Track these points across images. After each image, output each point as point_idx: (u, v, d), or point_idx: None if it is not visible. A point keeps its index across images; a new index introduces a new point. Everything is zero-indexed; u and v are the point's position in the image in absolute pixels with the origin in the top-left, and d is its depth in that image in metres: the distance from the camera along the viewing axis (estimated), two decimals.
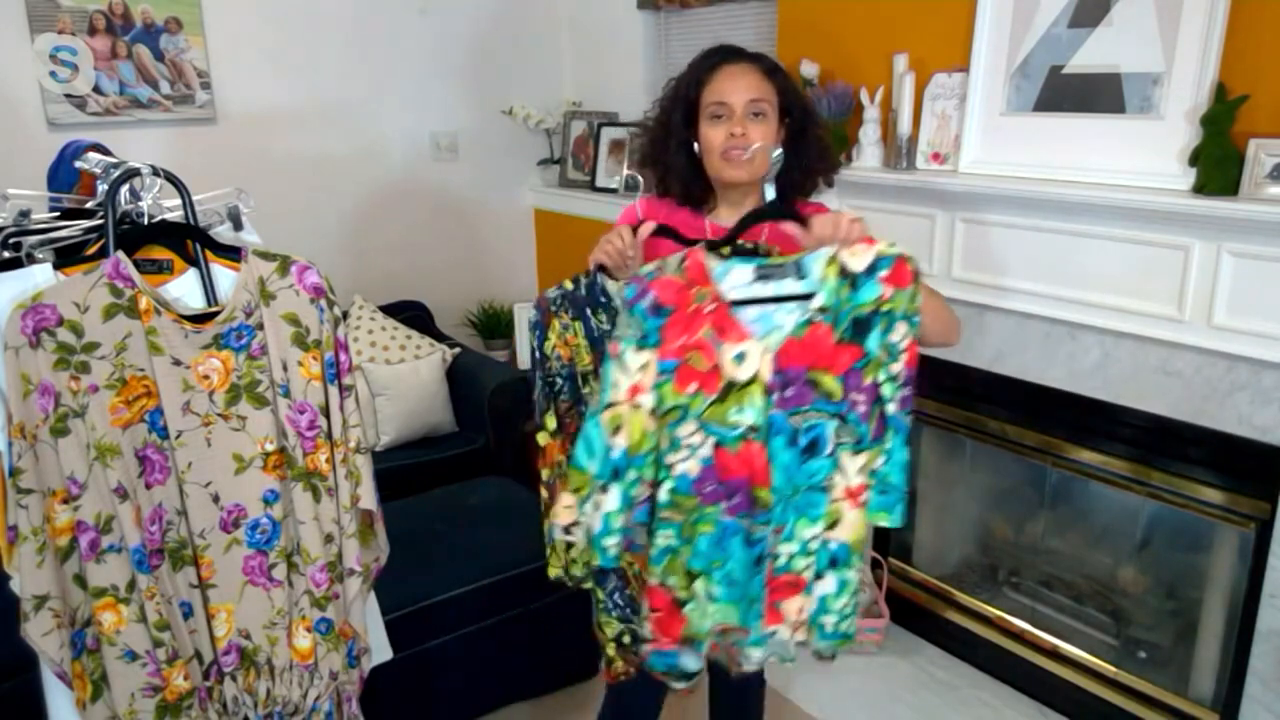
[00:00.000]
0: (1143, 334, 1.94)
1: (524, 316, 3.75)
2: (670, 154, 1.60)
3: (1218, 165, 1.75)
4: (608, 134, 3.53)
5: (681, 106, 1.58)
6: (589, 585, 1.60)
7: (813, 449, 1.38)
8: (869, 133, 2.39)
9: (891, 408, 1.38)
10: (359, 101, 3.42)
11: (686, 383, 1.34)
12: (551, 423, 1.51)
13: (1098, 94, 1.97)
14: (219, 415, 1.35)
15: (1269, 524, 1.86)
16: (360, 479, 1.45)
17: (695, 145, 1.57)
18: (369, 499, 1.47)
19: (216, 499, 1.37)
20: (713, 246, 1.35)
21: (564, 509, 1.41)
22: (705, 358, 1.34)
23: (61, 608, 1.29)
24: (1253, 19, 1.74)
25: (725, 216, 1.63)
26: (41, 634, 1.28)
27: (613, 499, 1.39)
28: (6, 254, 1.31)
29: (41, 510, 1.26)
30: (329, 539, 1.43)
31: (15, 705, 1.82)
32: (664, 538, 1.42)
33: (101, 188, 1.39)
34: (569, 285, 1.48)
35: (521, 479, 2.74)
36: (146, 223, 1.37)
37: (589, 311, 1.47)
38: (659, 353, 1.33)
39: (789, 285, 1.34)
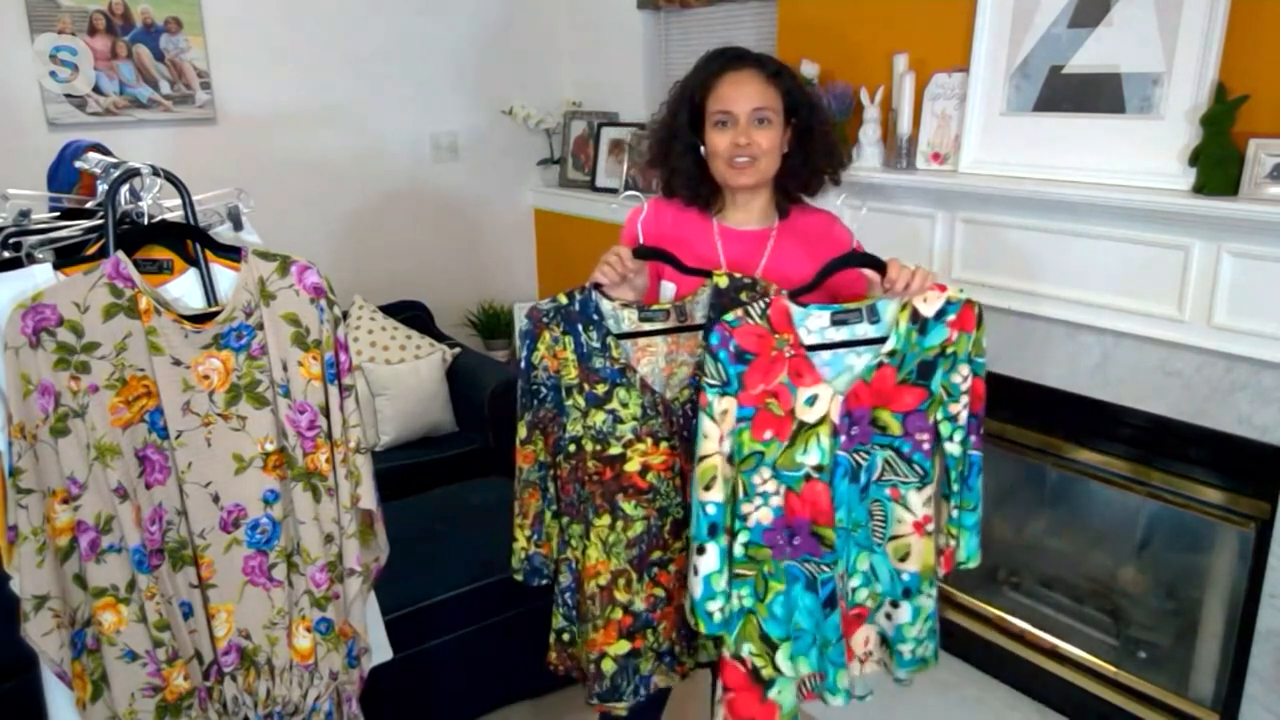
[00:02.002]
0: (1143, 334, 1.94)
1: (523, 317, 3.74)
2: (676, 157, 1.60)
3: (1218, 165, 1.75)
4: (608, 134, 3.53)
5: (687, 110, 1.58)
6: (542, 582, 1.62)
7: (866, 483, 1.41)
8: (869, 133, 2.38)
9: (951, 447, 1.41)
10: (359, 101, 3.42)
11: (763, 430, 1.35)
12: (522, 432, 1.52)
13: (1098, 94, 1.97)
14: (219, 415, 1.35)
15: (1269, 524, 1.86)
16: (360, 479, 1.45)
17: (701, 148, 1.58)
18: (369, 499, 1.47)
19: (216, 499, 1.37)
20: (792, 296, 1.37)
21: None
22: (781, 404, 1.35)
23: (61, 608, 1.29)
24: (1253, 19, 1.74)
25: (733, 218, 1.63)
26: (41, 634, 1.28)
27: (711, 559, 1.36)
28: (6, 254, 1.31)
29: (41, 510, 1.26)
30: (329, 539, 1.43)
31: (15, 705, 1.82)
32: (738, 598, 1.39)
33: (101, 188, 1.39)
34: (563, 300, 1.48)
35: None
36: (146, 223, 1.37)
37: (580, 327, 1.47)
38: (739, 399, 1.35)
39: (863, 329, 1.37)
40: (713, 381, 1.34)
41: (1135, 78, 1.91)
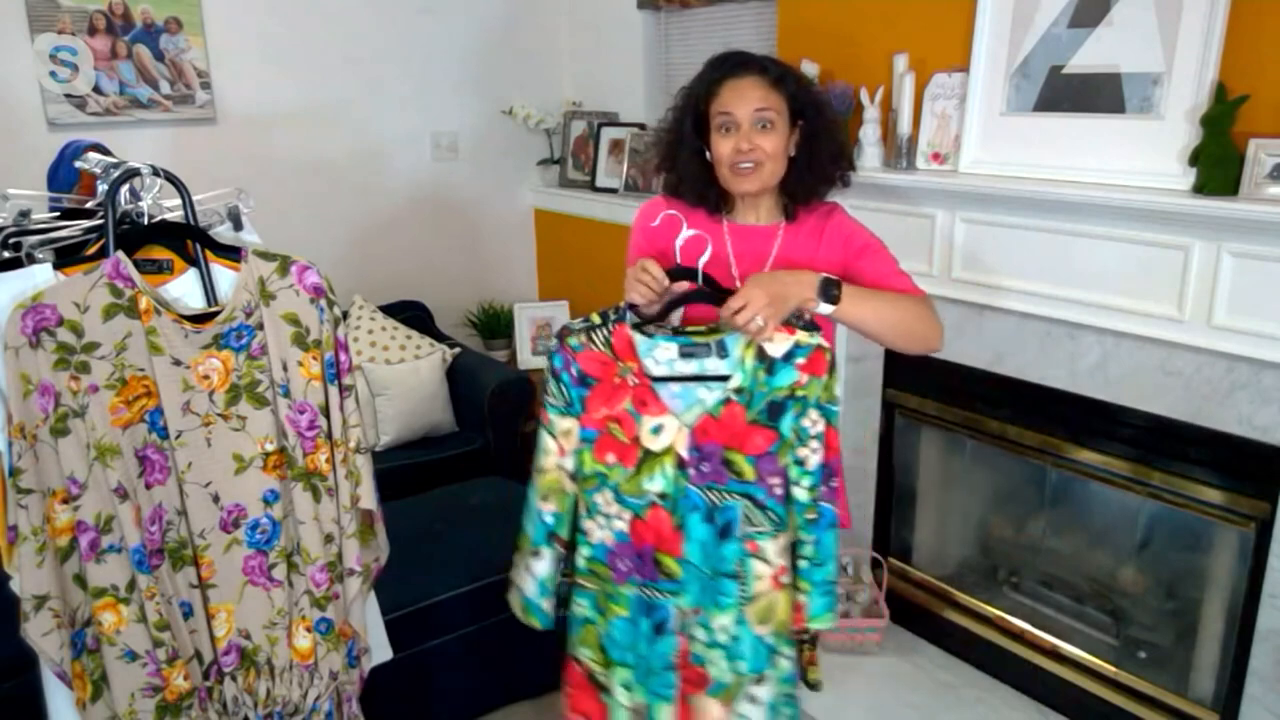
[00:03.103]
0: (1143, 334, 1.94)
1: (524, 316, 3.76)
2: (683, 162, 1.61)
3: (1218, 165, 1.75)
4: (608, 134, 3.53)
5: (692, 115, 1.59)
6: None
7: (727, 531, 1.40)
8: (869, 133, 2.38)
9: (798, 492, 1.39)
10: (359, 101, 3.42)
11: (605, 452, 1.40)
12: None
13: (1098, 94, 1.97)
14: (219, 415, 1.35)
15: (1269, 524, 1.86)
16: (360, 479, 1.45)
17: (707, 153, 1.58)
18: (369, 499, 1.47)
19: (216, 499, 1.37)
20: (638, 326, 1.39)
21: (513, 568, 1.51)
22: (625, 430, 1.38)
23: (61, 608, 1.29)
24: (1253, 19, 1.74)
25: (742, 218, 1.64)
26: (41, 634, 1.28)
27: (546, 563, 1.47)
28: (6, 254, 1.31)
29: (41, 510, 1.26)
30: (329, 539, 1.43)
31: (15, 705, 1.82)
32: (580, 607, 1.47)
33: (101, 188, 1.39)
34: (595, 319, 1.44)
35: (521, 479, 2.74)
36: (146, 223, 1.37)
37: None
38: (581, 421, 1.40)
39: (711, 364, 1.37)
40: (554, 401, 1.41)
41: (1135, 78, 1.91)
